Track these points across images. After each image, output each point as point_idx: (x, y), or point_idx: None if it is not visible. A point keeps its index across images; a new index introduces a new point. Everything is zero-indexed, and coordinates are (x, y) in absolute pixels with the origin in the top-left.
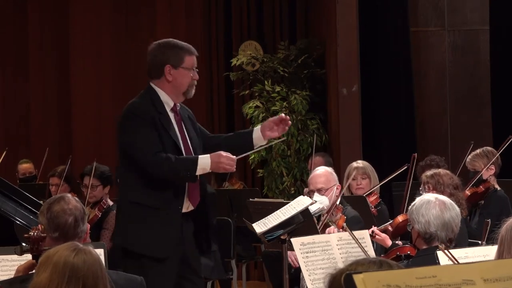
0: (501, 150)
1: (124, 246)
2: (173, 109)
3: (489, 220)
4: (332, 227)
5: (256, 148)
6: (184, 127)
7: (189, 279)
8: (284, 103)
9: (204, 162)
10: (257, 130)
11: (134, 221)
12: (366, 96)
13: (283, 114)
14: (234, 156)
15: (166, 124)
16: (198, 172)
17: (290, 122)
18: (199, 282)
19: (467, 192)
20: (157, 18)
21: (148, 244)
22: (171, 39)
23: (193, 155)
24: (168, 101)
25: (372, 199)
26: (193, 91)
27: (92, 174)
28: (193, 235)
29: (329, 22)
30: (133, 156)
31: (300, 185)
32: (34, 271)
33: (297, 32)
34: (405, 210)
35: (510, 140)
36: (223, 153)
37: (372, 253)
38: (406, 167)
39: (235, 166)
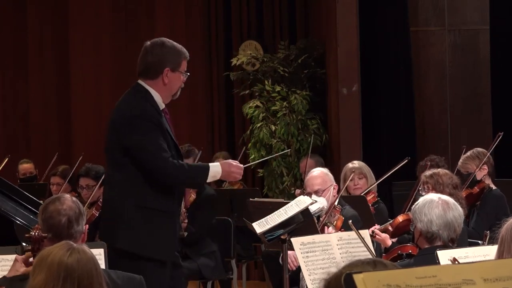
0: (492, 148)
1: (130, 250)
2: (163, 110)
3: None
4: (330, 228)
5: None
6: (171, 128)
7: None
8: (284, 103)
9: (215, 170)
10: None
11: (142, 225)
12: (366, 96)
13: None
14: (242, 165)
15: (166, 126)
16: (209, 180)
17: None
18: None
19: (462, 194)
20: (157, 18)
21: (156, 247)
22: (167, 40)
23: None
24: (160, 102)
25: (369, 198)
26: (179, 93)
27: (87, 175)
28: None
29: (329, 22)
30: (143, 159)
31: (300, 185)
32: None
33: (297, 32)
34: (406, 210)
35: (499, 138)
36: (233, 162)
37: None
38: (406, 160)
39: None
